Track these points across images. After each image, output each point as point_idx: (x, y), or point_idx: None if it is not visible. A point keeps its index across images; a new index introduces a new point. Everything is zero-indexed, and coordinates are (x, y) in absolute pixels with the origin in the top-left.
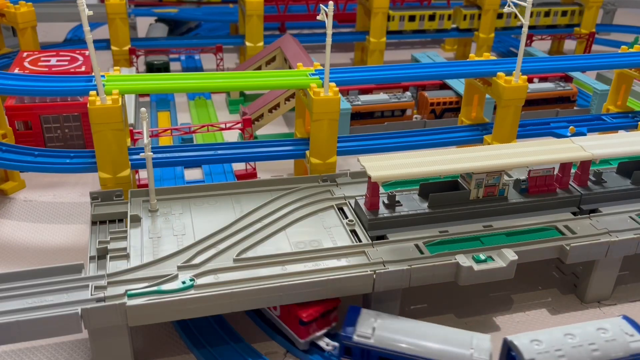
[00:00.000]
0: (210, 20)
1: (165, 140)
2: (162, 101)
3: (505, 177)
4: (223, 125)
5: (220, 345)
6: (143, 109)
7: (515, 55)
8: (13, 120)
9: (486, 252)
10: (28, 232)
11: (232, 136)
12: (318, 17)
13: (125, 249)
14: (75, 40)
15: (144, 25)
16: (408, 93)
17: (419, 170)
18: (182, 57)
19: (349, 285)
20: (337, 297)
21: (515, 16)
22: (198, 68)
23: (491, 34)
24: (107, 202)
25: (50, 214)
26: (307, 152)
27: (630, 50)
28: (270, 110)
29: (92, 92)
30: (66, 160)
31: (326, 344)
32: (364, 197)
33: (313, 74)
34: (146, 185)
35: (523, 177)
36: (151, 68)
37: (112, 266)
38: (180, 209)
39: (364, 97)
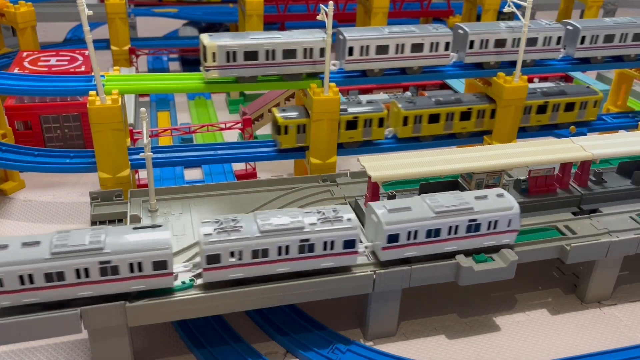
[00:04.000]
0: (211, 20)
1: (165, 140)
2: (162, 101)
3: (506, 177)
4: (223, 125)
5: (220, 345)
6: (143, 109)
7: None
8: (13, 120)
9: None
10: (28, 232)
11: (232, 136)
12: (318, 17)
13: None
14: (75, 40)
15: (144, 25)
16: (408, 93)
17: (419, 170)
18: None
19: (349, 285)
20: (337, 296)
21: None
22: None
23: None
24: (107, 202)
25: (50, 214)
26: (307, 152)
27: None
28: (270, 110)
29: (92, 92)
30: (66, 160)
31: None
32: (364, 197)
33: None
34: (146, 185)
35: (523, 177)
36: None
37: None
38: (180, 209)
39: (364, 97)
